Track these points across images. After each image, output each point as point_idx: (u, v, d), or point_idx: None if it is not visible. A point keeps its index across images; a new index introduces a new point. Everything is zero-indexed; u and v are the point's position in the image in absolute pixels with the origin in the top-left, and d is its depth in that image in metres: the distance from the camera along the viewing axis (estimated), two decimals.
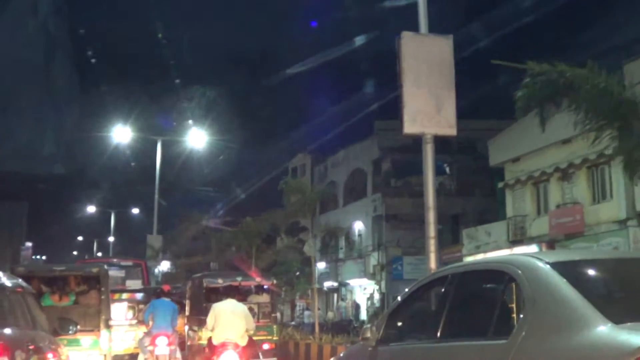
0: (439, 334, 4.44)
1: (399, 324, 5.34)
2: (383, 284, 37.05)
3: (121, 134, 33.68)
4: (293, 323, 40.79)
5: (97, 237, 77.56)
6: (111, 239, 65.51)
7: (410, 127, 9.86)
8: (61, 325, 7.04)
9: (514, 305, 4.19)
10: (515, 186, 27.23)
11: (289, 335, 16.31)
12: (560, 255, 4.47)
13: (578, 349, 3.22)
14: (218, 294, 14.49)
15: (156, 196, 34.10)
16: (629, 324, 3.17)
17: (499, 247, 27.26)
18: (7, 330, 5.34)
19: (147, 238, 33.42)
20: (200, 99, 38.06)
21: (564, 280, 3.58)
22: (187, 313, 14.97)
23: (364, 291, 41.52)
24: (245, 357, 10.49)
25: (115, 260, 27.38)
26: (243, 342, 10.53)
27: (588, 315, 3.28)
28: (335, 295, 44.55)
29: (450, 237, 39.17)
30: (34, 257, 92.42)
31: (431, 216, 9.82)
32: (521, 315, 3.65)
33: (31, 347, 5.62)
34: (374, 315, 35.09)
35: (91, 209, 59.43)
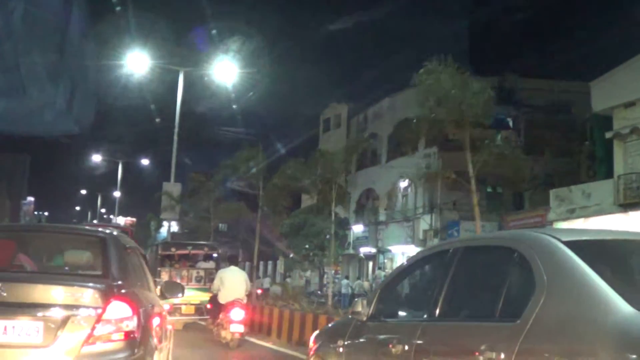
0: (437, 312, 4.12)
1: (393, 299, 5.04)
2: None
3: (137, 64, 28.51)
4: (321, 293, 35.91)
5: (102, 192, 72.74)
6: (117, 193, 60.50)
7: None
8: (168, 288, 6.62)
9: (523, 286, 3.54)
10: (629, 137, 21.85)
11: None
12: (578, 234, 3.84)
13: (597, 336, 2.94)
14: (172, 260, 17.26)
15: (175, 138, 29.17)
16: None
17: (603, 212, 22.06)
18: (134, 290, 5.20)
19: (164, 185, 28.46)
20: (230, 31, 32.52)
21: (582, 261, 3.30)
22: None
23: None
24: (248, 312, 13.14)
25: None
26: (244, 300, 13.19)
27: (609, 300, 3.01)
28: (371, 264, 39.42)
29: (511, 201, 34.10)
30: (35, 213, 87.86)
31: None
32: (532, 297, 3.32)
33: (150, 307, 5.47)
34: None
35: (97, 158, 53.91)
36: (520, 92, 35.37)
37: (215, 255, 17.65)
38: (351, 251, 38.83)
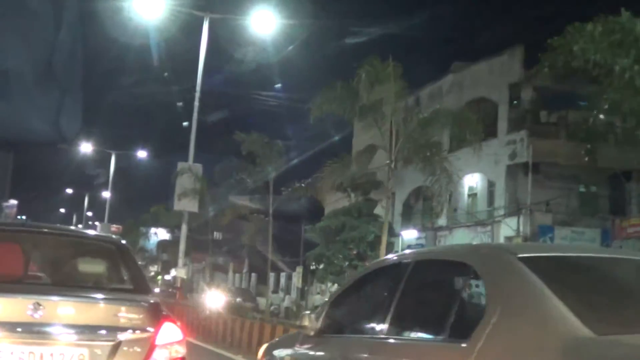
0: (385, 330, 3.80)
1: (342, 313, 4.70)
2: None
3: (148, 8, 22.00)
4: None
5: (90, 191, 65.30)
6: (107, 193, 53.21)
7: None
8: None
9: (476, 304, 3.45)
10: None
11: None
12: (535, 249, 3.75)
13: None
14: None
15: (196, 103, 22.32)
16: (611, 336, 2.59)
17: None
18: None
19: (178, 165, 21.68)
20: None
21: (537, 278, 2.97)
22: None
23: None
24: None
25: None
26: None
27: (565, 322, 2.69)
28: None
29: (607, 203, 27.28)
30: (19, 217, 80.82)
31: None
32: (484, 317, 3.00)
33: None
34: None
35: (86, 147, 46.44)
36: None
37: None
38: None
